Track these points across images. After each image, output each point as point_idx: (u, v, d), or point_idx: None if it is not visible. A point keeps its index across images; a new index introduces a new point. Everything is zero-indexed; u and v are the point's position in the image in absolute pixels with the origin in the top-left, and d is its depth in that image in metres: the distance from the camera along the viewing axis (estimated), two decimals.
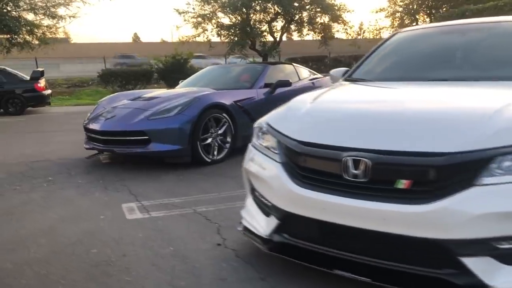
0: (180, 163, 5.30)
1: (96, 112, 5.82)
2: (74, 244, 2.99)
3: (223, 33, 17.61)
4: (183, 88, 6.51)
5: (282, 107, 2.95)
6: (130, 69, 18.51)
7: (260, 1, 16.98)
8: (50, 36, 16.26)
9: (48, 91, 14.11)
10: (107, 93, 19.23)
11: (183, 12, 17.65)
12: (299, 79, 7.08)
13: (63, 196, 4.20)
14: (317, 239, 2.22)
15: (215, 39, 19.06)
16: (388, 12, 21.39)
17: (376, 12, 22.62)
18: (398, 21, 21.90)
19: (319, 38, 18.82)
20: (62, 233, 3.22)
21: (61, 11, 15.46)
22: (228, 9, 17.21)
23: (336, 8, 18.01)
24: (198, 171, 5.13)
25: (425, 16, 21.60)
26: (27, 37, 15.22)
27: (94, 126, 5.48)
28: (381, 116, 2.27)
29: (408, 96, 2.67)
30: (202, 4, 17.58)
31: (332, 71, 3.95)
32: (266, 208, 2.49)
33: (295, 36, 22.70)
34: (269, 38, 19.08)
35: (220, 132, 5.55)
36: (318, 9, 17.72)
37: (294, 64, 7.49)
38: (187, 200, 3.98)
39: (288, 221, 2.31)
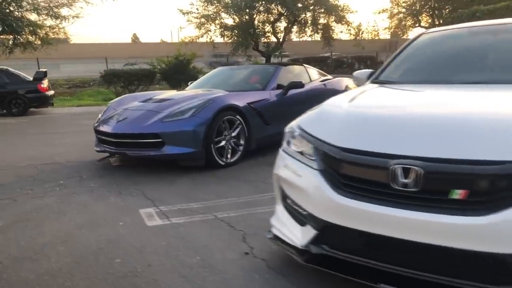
0: (193, 166, 5.19)
1: (107, 114, 5.70)
2: (96, 253, 2.87)
3: (226, 33, 17.49)
4: (194, 90, 6.40)
5: (313, 110, 2.84)
6: (133, 70, 18.37)
7: (263, 2, 16.87)
8: (53, 36, 16.12)
9: (51, 92, 13.99)
10: (109, 93, 19.14)
11: (187, 13, 17.55)
12: (310, 81, 6.97)
13: (77, 201, 4.08)
14: (360, 251, 2.11)
15: (218, 39, 18.98)
16: (391, 13, 21.28)
17: (379, 13, 22.54)
18: (402, 22, 21.79)
19: (322, 39, 18.71)
20: (81, 241, 3.11)
21: (64, 11, 15.35)
22: (231, 9, 17.10)
23: (340, 9, 17.92)
24: (212, 174, 5.02)
25: (428, 17, 21.52)
26: (30, 37, 15.09)
27: (105, 128, 5.37)
28: (427, 122, 2.15)
29: (449, 100, 2.56)
30: (206, 4, 17.48)
31: (356, 73, 3.84)
32: (301, 217, 2.38)
33: (294, 37, 22.55)
34: (272, 39, 18.97)
35: (233, 134, 5.44)
36: (322, 10, 17.62)
37: (305, 65, 7.38)
38: (206, 205, 3.87)
39: (328, 232, 2.20)
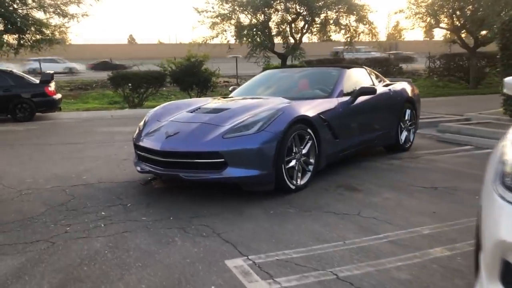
0: (259, 190, 4.28)
1: (151, 127, 4.76)
2: None
3: (243, 33, 16.53)
4: (247, 98, 5.46)
5: None
6: (142, 72, 17.40)
7: (283, 0, 15.95)
8: (59, 36, 15.12)
9: (59, 96, 13.01)
10: (115, 96, 18.18)
11: (203, 11, 16.58)
12: (373, 85, 6.05)
13: (135, 246, 3.14)
14: None
15: (232, 40, 18.03)
16: (412, 12, 20.34)
17: (395, 13, 21.64)
18: (422, 21, 20.88)
19: (345, 39, 17.82)
20: None
21: (71, 9, 14.34)
22: (248, 8, 16.17)
23: (360, 8, 17.03)
24: (286, 201, 4.11)
25: (447, 18, 20.62)
26: (37, 36, 14.07)
27: (151, 144, 4.43)
28: None
29: None
30: (221, 3, 16.52)
31: (508, 80, 2.94)
32: None
33: (306, 39, 21.60)
34: (290, 39, 18.04)
35: (304, 151, 4.52)
36: (343, 10, 16.73)
37: (365, 67, 6.47)
38: (309, 254, 2.94)
39: None
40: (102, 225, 3.57)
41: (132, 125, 6.92)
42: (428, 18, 20.59)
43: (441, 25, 21.27)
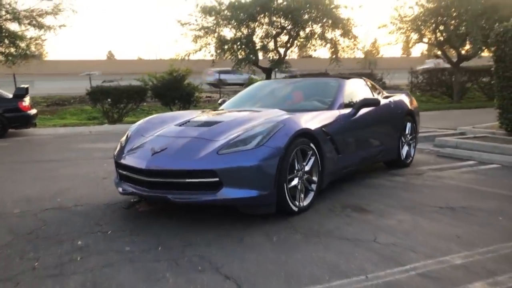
0: (258, 213, 3.80)
1: (134, 142, 4.25)
2: None
3: (226, 47, 16.12)
4: (243, 110, 4.99)
5: None
6: (122, 86, 16.86)
7: (267, 14, 15.64)
8: (35, 49, 14.46)
9: (34, 111, 12.32)
10: (94, 112, 17.55)
11: (186, 23, 16.12)
12: (373, 97, 5.66)
13: (118, 285, 2.61)
14: None
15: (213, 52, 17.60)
16: (396, 27, 20.28)
17: (378, 28, 21.57)
18: (408, 37, 20.87)
19: (330, 53, 17.57)
20: None
21: (48, 21, 13.73)
22: (232, 21, 15.81)
23: (345, 21, 16.83)
24: (288, 225, 3.64)
25: (430, 33, 20.62)
26: (11, 49, 13.39)
27: (134, 162, 3.92)
28: None
29: None
30: (204, 15, 16.11)
31: None
32: None
33: (293, 55, 21.43)
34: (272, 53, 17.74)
35: (307, 169, 4.07)
36: (328, 24, 16.49)
37: (364, 78, 6.09)
38: None
39: None
40: (78, 258, 3.03)
41: (112, 141, 6.40)
42: (412, 34, 20.59)
43: (424, 40, 21.27)
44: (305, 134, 4.03)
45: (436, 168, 5.98)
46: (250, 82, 16.31)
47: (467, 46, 20.14)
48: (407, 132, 6.11)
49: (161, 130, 4.31)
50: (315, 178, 4.17)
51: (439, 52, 21.45)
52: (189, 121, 4.50)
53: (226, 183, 3.55)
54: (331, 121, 4.54)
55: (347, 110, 4.88)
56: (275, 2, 15.80)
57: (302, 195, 4.02)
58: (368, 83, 5.92)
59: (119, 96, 16.74)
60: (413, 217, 3.81)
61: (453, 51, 21.17)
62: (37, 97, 23.49)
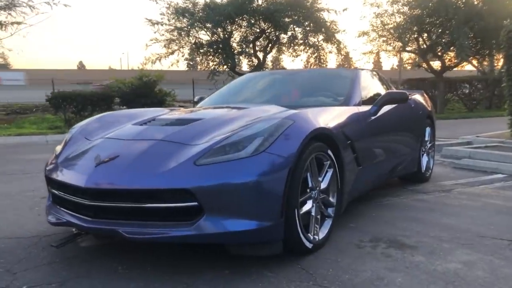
0: (257, 255, 2.55)
1: (73, 148, 2.96)
2: None
3: (201, 51, 14.85)
4: (231, 106, 3.74)
5: None
6: (87, 92, 15.43)
7: (246, 16, 14.47)
8: None
9: None
10: (56, 121, 15.97)
11: (157, 23, 14.74)
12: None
13: None
14: None
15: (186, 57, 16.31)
16: (378, 34, 19.48)
17: (358, 36, 20.71)
18: (387, 45, 20.04)
19: (313, 59, 16.50)
20: None
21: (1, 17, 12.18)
22: (208, 24, 14.57)
23: (328, 23, 15.80)
24: (301, 271, 2.39)
25: (411, 42, 19.86)
26: None
27: (70, 176, 2.63)
28: None
29: None
30: (177, 17, 14.80)
31: None
32: None
33: (270, 58, 20.44)
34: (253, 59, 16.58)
35: (323, 186, 2.85)
36: (309, 28, 15.44)
37: (375, 70, 4.94)
38: None
39: None
40: None
41: None
42: (394, 42, 19.80)
43: (407, 48, 20.52)
44: (323, 136, 2.81)
45: (463, 183, 4.86)
46: None
47: (451, 54, 19.48)
48: (427, 138, 5.00)
49: (114, 131, 3.02)
50: (332, 200, 2.95)
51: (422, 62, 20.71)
52: (154, 119, 3.23)
53: (209, 209, 2.30)
54: (350, 120, 3.34)
55: (366, 108, 3.69)
56: (254, 3, 14.68)
57: (318, 225, 2.79)
58: (379, 76, 4.77)
59: (83, 103, 15.32)
60: (481, 257, 2.62)
61: (435, 60, 20.53)
62: None
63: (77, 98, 15.10)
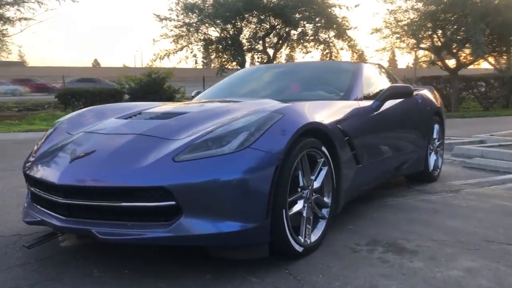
0: (240, 259, 2.37)
1: (53, 143, 2.81)
2: None
3: (211, 48, 14.70)
4: (223, 100, 3.57)
5: None
6: (96, 88, 15.43)
7: (256, 12, 14.25)
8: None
9: None
10: None
11: (165, 19, 14.61)
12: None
13: None
14: None
15: (200, 54, 16.18)
16: (391, 31, 19.11)
17: (371, 33, 20.36)
18: (401, 42, 19.67)
19: (324, 55, 16.22)
20: None
21: (10, 13, 12.16)
22: (217, 20, 14.39)
23: (340, 20, 15.50)
24: (290, 277, 2.20)
25: (427, 38, 19.44)
26: None
27: (45, 172, 2.48)
28: None
29: None
30: (186, 12, 14.66)
31: None
32: None
33: (284, 55, 20.21)
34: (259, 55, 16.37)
35: (316, 185, 2.65)
36: (320, 23, 15.17)
37: (380, 64, 4.71)
38: None
39: None
40: None
41: None
42: (407, 39, 19.41)
43: (421, 45, 20.12)
44: (316, 132, 2.62)
45: (473, 184, 4.61)
46: None
47: (467, 51, 19.04)
48: (435, 136, 4.76)
49: (94, 125, 2.87)
50: (327, 200, 2.75)
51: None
52: (140, 113, 3.07)
53: (188, 209, 2.12)
54: (348, 115, 3.14)
55: (367, 102, 3.48)
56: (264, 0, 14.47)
57: (310, 226, 2.59)
58: (384, 70, 4.54)
59: (92, 99, 15.37)
60: (486, 264, 2.40)
61: (450, 58, 20.10)
62: (10, 102, 22.00)
63: (86, 94, 15.14)
